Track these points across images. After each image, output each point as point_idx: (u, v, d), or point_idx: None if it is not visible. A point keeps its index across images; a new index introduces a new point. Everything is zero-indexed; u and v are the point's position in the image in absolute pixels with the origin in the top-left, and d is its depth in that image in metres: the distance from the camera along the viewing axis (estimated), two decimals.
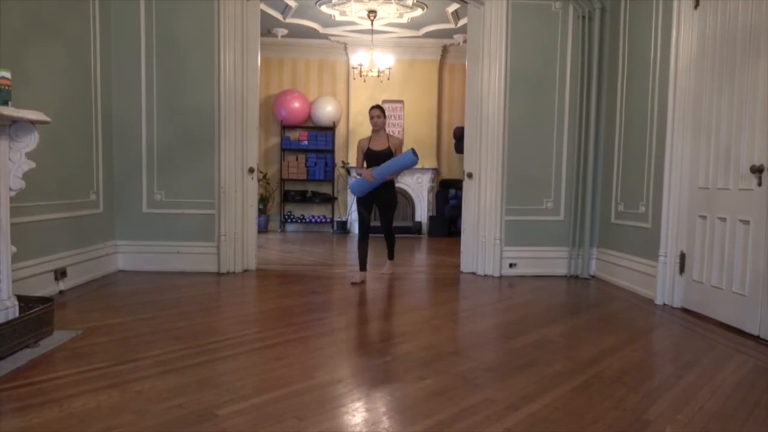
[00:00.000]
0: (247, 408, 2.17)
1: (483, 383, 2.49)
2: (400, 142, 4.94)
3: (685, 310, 3.93)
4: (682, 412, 2.21)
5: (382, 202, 4.89)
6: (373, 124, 4.87)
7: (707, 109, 3.75)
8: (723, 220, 3.57)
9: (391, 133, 4.89)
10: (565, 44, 5.18)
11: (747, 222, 3.36)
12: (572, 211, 5.22)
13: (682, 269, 4.00)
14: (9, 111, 2.66)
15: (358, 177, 4.86)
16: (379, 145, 4.86)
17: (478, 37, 5.22)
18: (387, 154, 4.79)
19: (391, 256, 5.29)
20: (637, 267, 4.54)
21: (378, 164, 4.77)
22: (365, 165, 4.90)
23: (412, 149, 4.65)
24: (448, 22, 8.03)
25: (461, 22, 7.77)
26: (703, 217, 3.78)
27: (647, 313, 3.92)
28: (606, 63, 5.12)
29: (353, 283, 4.67)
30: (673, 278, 4.05)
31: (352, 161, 9.34)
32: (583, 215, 5.20)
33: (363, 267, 4.84)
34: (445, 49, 9.29)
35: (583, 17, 5.09)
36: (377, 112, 4.86)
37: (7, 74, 2.76)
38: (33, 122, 2.85)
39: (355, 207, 5.33)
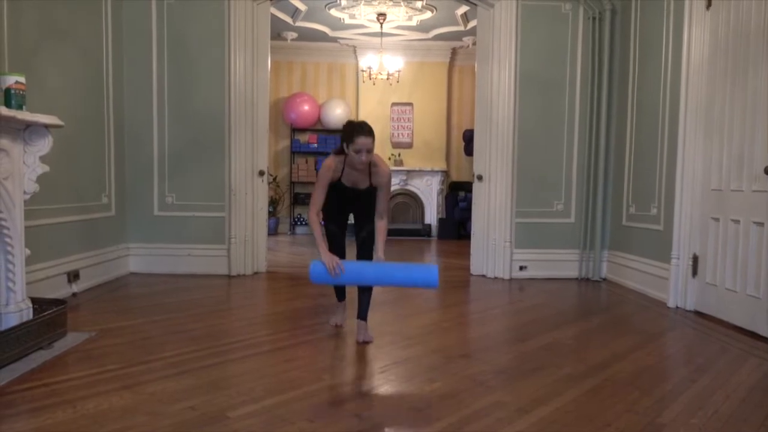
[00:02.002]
0: (259, 410, 2.17)
1: (494, 386, 2.48)
2: (388, 176, 3.05)
3: (698, 313, 3.89)
4: (696, 416, 2.19)
5: (360, 209, 3.15)
6: (359, 163, 2.89)
7: (720, 110, 3.72)
8: (736, 222, 3.54)
9: (376, 160, 2.99)
10: (576, 46, 5.16)
11: (761, 224, 3.32)
12: (583, 213, 5.19)
13: (694, 272, 3.96)
14: (24, 115, 2.70)
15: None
16: (355, 180, 3.01)
17: (488, 39, 5.21)
18: (367, 193, 3.05)
19: (363, 314, 3.12)
20: (649, 269, 4.50)
21: (353, 206, 3.12)
22: (327, 210, 3.10)
23: (437, 271, 2.94)
24: (457, 24, 8.03)
25: (470, 25, 7.77)
26: (716, 219, 3.74)
27: (659, 316, 3.89)
28: (617, 64, 5.09)
29: (336, 326, 3.34)
30: (685, 281, 4.01)
31: None
32: (594, 217, 5.17)
33: (341, 296, 3.39)
34: (454, 52, 9.28)
35: (594, 18, 5.07)
36: (369, 143, 2.86)
37: (22, 79, 2.80)
38: (47, 126, 2.89)
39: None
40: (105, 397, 2.26)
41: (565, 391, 2.42)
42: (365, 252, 3.15)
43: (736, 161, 3.55)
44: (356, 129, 2.87)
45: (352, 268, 2.91)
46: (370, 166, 2.97)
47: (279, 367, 2.68)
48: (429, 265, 2.88)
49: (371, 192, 3.04)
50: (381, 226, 3.08)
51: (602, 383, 2.52)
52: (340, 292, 3.38)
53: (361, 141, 2.84)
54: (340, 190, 3.03)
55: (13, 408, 2.16)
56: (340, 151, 2.98)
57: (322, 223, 3.11)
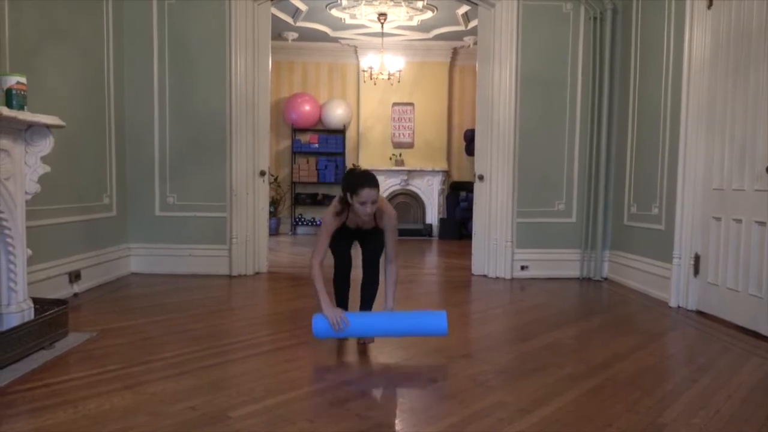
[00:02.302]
0: (260, 410, 2.17)
1: (495, 386, 2.48)
2: (394, 217, 2.93)
3: (699, 313, 3.89)
4: (698, 415, 2.19)
5: (368, 239, 3.03)
6: (364, 214, 2.78)
7: (721, 110, 3.71)
8: (738, 221, 3.53)
9: (381, 204, 2.85)
10: (577, 45, 5.15)
11: (763, 223, 3.31)
12: (584, 212, 5.19)
13: (696, 271, 3.95)
14: (25, 115, 2.70)
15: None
16: (360, 223, 2.94)
17: (489, 39, 5.21)
18: (373, 232, 2.98)
19: None
20: (650, 269, 4.50)
21: (359, 237, 3.02)
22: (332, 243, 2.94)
23: (446, 319, 2.75)
24: (458, 24, 8.03)
25: (471, 24, 7.77)
26: (718, 219, 3.74)
27: (661, 315, 3.88)
28: (618, 64, 5.09)
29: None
30: (687, 280, 4.01)
31: (366, 162, 9.35)
32: (596, 217, 5.16)
33: (343, 306, 3.13)
34: (455, 52, 9.28)
35: (595, 18, 5.06)
36: (374, 195, 2.73)
37: (23, 79, 2.80)
38: (48, 126, 2.89)
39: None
40: (106, 397, 2.27)
41: (566, 391, 2.41)
42: (371, 259, 3.03)
43: (738, 160, 3.54)
44: (360, 180, 2.73)
45: (357, 321, 2.79)
46: (375, 212, 2.85)
47: (280, 367, 2.68)
48: (437, 312, 2.79)
49: (377, 230, 2.96)
50: (391, 272, 2.95)
51: (603, 383, 2.52)
52: (341, 301, 3.16)
53: (366, 193, 2.69)
54: (345, 231, 2.96)
55: (14, 408, 2.17)
56: (343, 203, 2.84)
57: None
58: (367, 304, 3.12)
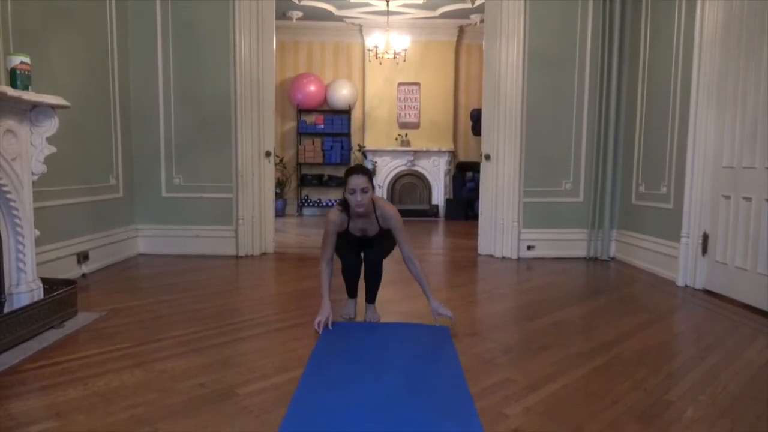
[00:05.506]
0: (268, 387, 2.19)
1: (502, 363, 2.49)
2: (397, 216, 2.94)
3: (707, 292, 3.87)
4: (705, 393, 2.19)
5: (372, 244, 3.04)
6: (356, 205, 2.79)
7: (733, 86, 3.65)
8: (748, 199, 3.49)
9: (379, 204, 2.92)
10: (586, 21, 5.06)
11: None
12: (592, 192, 5.15)
13: (704, 250, 3.93)
14: (29, 95, 2.70)
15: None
16: (364, 228, 2.97)
17: (496, 16, 5.13)
18: (379, 236, 3.01)
19: (372, 298, 3.13)
20: (658, 248, 4.47)
21: (366, 245, 3.03)
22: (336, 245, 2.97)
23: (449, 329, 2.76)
24: (464, 1, 7.92)
25: (478, 2, 7.66)
26: (727, 197, 3.70)
27: (668, 294, 3.87)
28: (627, 40, 5.00)
29: (349, 318, 3.14)
30: (695, 259, 3.99)
31: (372, 142, 9.31)
32: (603, 196, 5.13)
33: (353, 293, 3.18)
34: (461, 30, 9.17)
35: None
36: (362, 182, 2.78)
37: (27, 59, 2.79)
38: (53, 107, 2.89)
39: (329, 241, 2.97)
40: (116, 374, 2.29)
41: (574, 368, 2.42)
42: (374, 259, 3.02)
43: (749, 138, 3.49)
44: (349, 171, 2.85)
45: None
46: (376, 211, 2.91)
47: (287, 346, 2.70)
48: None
49: (383, 234, 3.00)
50: (416, 269, 2.95)
51: (610, 361, 2.52)
52: (351, 288, 3.17)
53: (353, 180, 2.77)
54: (350, 240, 3.00)
55: (26, 385, 2.20)
56: (343, 204, 2.90)
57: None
58: (371, 294, 3.14)
